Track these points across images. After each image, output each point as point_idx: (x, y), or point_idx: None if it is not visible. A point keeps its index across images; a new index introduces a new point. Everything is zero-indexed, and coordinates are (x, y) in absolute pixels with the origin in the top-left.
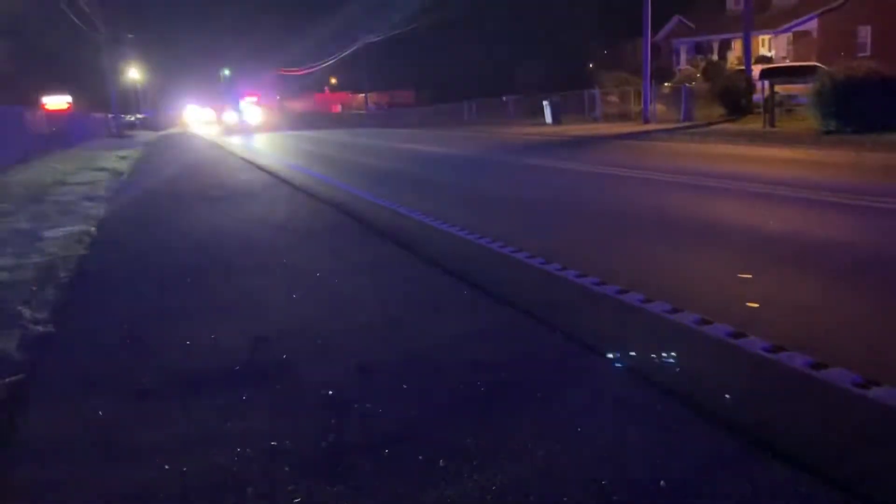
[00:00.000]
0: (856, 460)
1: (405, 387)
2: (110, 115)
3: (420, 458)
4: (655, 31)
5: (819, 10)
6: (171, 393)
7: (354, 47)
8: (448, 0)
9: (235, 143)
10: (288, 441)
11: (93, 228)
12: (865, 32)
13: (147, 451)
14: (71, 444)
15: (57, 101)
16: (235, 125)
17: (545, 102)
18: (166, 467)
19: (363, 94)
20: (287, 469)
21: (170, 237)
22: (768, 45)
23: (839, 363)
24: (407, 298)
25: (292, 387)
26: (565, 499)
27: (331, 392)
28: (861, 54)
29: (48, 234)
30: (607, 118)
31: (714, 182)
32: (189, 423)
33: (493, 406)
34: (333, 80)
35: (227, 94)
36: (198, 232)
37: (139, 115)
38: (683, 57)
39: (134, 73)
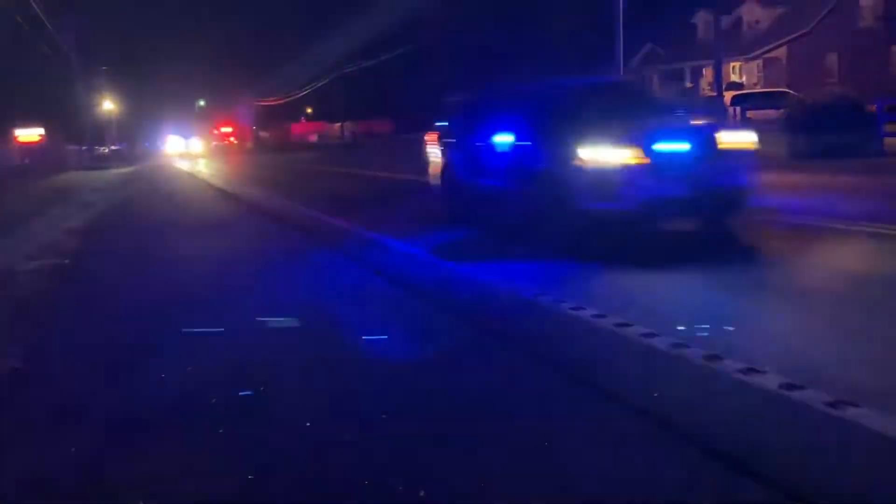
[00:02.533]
0: (833, 482)
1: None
2: (84, 148)
3: (400, 488)
4: (628, 58)
5: (788, 38)
6: (148, 427)
7: (330, 77)
8: (423, 28)
9: None
10: (267, 475)
11: None
12: (833, 59)
13: (122, 487)
14: (45, 481)
15: (29, 134)
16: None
17: None
18: None
19: (339, 124)
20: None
21: None
22: (739, 72)
23: (813, 384)
24: None
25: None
26: None
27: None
28: (829, 80)
29: None
30: None
31: None
32: (166, 457)
33: (475, 435)
34: (309, 110)
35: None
36: None
37: (113, 147)
38: (656, 84)
39: (108, 105)
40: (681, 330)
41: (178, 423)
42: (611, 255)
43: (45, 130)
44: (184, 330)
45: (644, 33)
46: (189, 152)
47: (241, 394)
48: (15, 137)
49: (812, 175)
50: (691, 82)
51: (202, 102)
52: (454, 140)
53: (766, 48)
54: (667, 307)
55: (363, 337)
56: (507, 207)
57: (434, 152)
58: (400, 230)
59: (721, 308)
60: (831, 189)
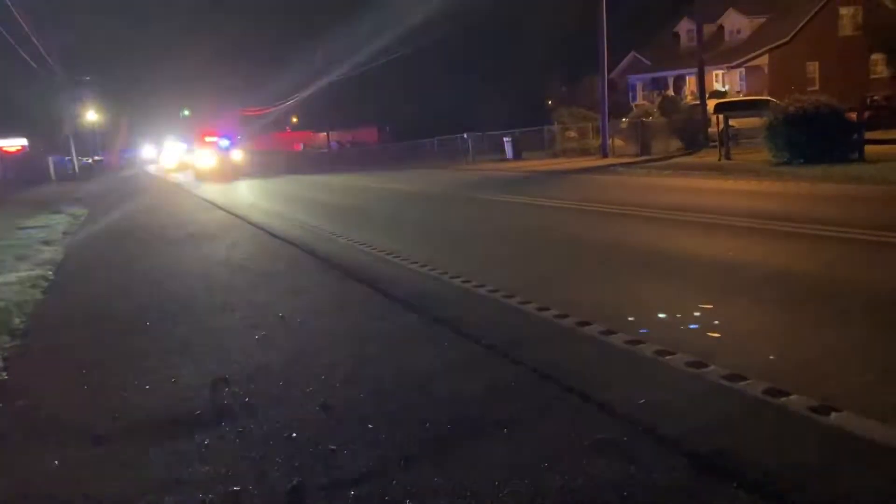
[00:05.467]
0: (816, 486)
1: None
2: (66, 158)
3: (386, 498)
4: (612, 67)
5: (769, 47)
6: (131, 438)
7: (315, 87)
8: (409, 38)
9: None
10: (251, 486)
11: None
12: (813, 67)
13: (105, 500)
14: (27, 495)
15: (11, 144)
16: None
17: (506, 139)
18: None
19: (325, 133)
20: None
21: None
22: (722, 80)
23: (798, 390)
24: None
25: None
26: None
27: (294, 434)
28: (810, 88)
29: None
30: (567, 153)
31: (672, 214)
32: (149, 469)
33: (459, 443)
34: (294, 119)
35: None
36: None
37: (96, 157)
38: (640, 92)
39: (92, 115)
40: None
41: None
42: None
43: (28, 141)
44: None
45: (627, 42)
46: (215, 167)
47: None
48: (1, 148)
49: None
50: (675, 90)
51: (186, 112)
52: None
53: (748, 56)
54: None
55: None
56: None
57: None
58: None
59: None
60: None
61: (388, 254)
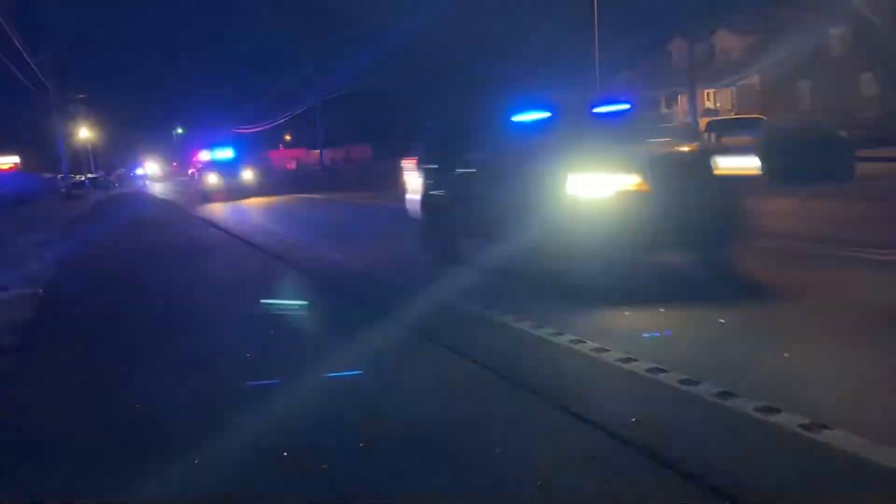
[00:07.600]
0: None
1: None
2: (59, 176)
3: None
4: (604, 86)
5: (760, 66)
6: (126, 458)
7: (308, 105)
8: (403, 53)
9: None
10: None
11: None
12: (804, 86)
13: None
14: None
15: (2, 162)
16: None
17: None
18: None
19: (318, 151)
20: None
21: None
22: (713, 99)
23: (787, 407)
24: None
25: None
26: None
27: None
28: (801, 107)
29: None
30: None
31: None
32: (143, 488)
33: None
34: (288, 137)
35: None
36: None
37: (90, 175)
38: None
39: (84, 133)
40: None
41: None
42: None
43: (21, 159)
44: None
45: (620, 61)
46: None
47: None
48: None
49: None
50: (667, 108)
51: (180, 130)
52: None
53: (739, 75)
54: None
55: None
56: None
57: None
58: None
59: None
60: None
61: None
